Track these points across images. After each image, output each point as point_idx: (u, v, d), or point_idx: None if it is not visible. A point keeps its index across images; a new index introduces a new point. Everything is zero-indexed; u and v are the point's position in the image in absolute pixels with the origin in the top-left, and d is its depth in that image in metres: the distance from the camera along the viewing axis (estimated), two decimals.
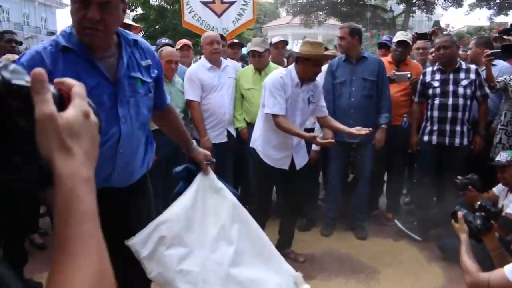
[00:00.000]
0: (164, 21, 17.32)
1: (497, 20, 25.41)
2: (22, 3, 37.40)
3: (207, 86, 3.96)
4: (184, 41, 4.91)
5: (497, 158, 3.28)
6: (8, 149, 0.55)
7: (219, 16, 4.98)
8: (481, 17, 77.12)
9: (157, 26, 17.97)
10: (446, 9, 24.47)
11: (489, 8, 24.15)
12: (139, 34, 16.11)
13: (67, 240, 0.56)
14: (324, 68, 4.07)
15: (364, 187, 4.18)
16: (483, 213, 2.36)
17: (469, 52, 4.60)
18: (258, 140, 3.39)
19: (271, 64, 4.30)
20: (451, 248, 3.56)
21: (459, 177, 3.40)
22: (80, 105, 0.62)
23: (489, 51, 3.96)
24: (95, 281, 0.55)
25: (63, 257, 0.55)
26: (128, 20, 3.04)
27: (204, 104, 3.95)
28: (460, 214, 2.40)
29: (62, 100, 0.61)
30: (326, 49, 4.28)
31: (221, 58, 4.15)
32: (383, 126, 4.04)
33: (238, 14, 5.02)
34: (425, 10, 23.73)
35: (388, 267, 3.51)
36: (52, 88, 0.60)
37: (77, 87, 0.63)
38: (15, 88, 0.55)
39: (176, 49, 4.37)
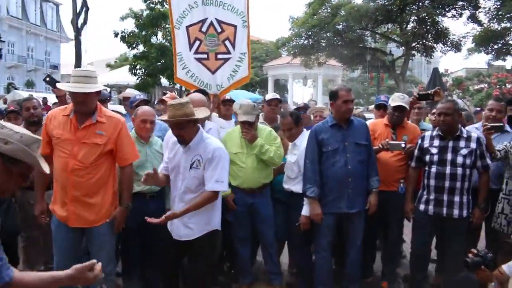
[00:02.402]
0: (164, 59, 17.46)
1: (495, 64, 25.75)
2: (28, 36, 37.95)
3: None
4: (167, 95, 4.84)
5: None
6: None
7: (213, 72, 4.87)
8: (480, 61, 78.44)
9: (158, 64, 18.11)
10: (445, 53, 24.73)
11: (487, 53, 24.43)
12: (139, 71, 16.26)
13: None
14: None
15: (356, 255, 3.96)
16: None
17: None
18: None
19: (260, 126, 4.17)
20: None
21: (470, 255, 3.18)
22: None
23: (488, 125, 3.84)
24: None
25: None
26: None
27: None
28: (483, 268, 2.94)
29: None
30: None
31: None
32: (375, 190, 3.88)
33: (233, 71, 4.90)
34: (424, 54, 23.97)
35: None
36: None
37: None
38: None
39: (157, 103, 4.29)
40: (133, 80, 18.41)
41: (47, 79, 4.54)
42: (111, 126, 3.06)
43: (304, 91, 54.14)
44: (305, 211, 3.87)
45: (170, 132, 3.20)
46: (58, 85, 3.78)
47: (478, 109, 10.84)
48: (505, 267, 3.31)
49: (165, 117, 3.06)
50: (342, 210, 3.79)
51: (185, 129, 2.98)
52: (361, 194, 3.84)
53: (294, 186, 3.98)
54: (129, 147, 3.19)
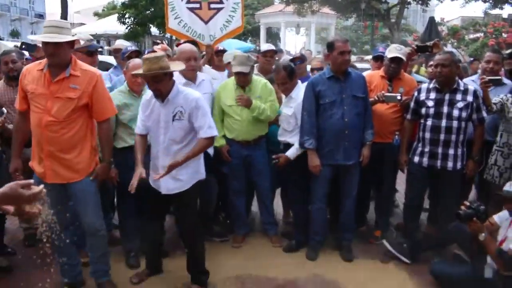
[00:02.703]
0: (154, 7, 16.94)
1: (492, 13, 25.30)
2: None
3: None
4: (157, 47, 4.74)
5: (507, 188, 3.14)
6: None
7: (206, 22, 4.72)
8: (477, 10, 76.92)
9: (147, 12, 17.60)
10: (441, 1, 24.20)
11: (485, 1, 23.93)
12: (128, 20, 15.81)
13: None
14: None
15: (351, 206, 4.03)
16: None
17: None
18: None
19: (254, 78, 4.09)
20: (444, 274, 3.47)
21: (463, 207, 3.24)
22: None
23: (486, 78, 3.80)
24: None
25: None
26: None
27: None
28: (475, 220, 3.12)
29: None
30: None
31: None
32: (368, 143, 3.91)
33: (226, 21, 4.76)
34: (420, 2, 23.44)
35: None
36: None
37: None
38: None
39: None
40: (122, 29, 17.92)
41: (23, 46, 4.40)
42: (85, 80, 2.95)
43: (297, 39, 53.30)
44: (290, 153, 3.91)
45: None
46: (29, 36, 3.65)
47: (472, 59, 10.75)
48: (496, 218, 3.40)
49: (140, 71, 3.01)
50: (338, 162, 3.81)
51: (162, 82, 2.99)
52: (357, 147, 3.86)
53: (291, 138, 3.97)
54: (105, 101, 3.08)
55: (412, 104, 3.96)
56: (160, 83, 2.98)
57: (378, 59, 4.63)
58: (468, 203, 3.28)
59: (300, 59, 4.82)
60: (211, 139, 3.15)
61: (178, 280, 3.54)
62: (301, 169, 3.92)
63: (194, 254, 3.43)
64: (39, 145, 2.97)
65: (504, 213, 3.32)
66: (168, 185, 3.18)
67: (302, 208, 4.15)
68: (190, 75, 3.80)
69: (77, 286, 3.34)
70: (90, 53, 3.73)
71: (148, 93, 3.20)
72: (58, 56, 2.85)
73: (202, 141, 3.10)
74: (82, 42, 5.02)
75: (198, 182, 3.29)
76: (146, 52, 5.43)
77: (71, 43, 2.95)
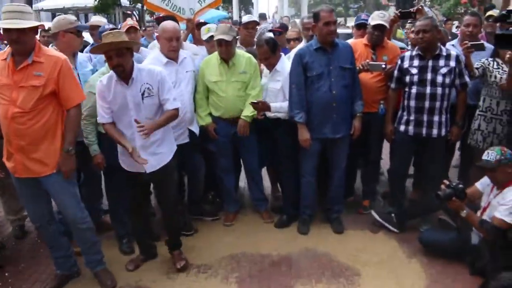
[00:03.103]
0: None
1: None
2: None
3: None
4: (130, 22, 4.56)
5: (485, 158, 3.17)
6: None
7: None
8: None
9: None
10: None
11: None
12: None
13: None
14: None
15: (340, 179, 4.06)
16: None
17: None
18: None
19: (238, 52, 3.98)
20: (432, 242, 3.56)
21: (442, 187, 3.29)
22: None
23: (468, 43, 3.80)
24: None
25: None
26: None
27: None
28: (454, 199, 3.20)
29: None
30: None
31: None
32: (359, 114, 3.89)
33: None
34: None
35: (367, 268, 3.43)
36: None
37: None
38: None
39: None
40: (90, 1, 17.23)
41: None
42: (49, 66, 2.79)
43: (270, 3, 52.31)
44: (273, 105, 3.87)
45: (97, 82, 3.12)
46: None
47: (445, 19, 10.73)
48: (478, 185, 3.47)
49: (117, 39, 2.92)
50: (326, 136, 3.80)
51: (125, 57, 2.94)
52: (345, 119, 3.84)
53: (280, 113, 3.93)
54: (73, 87, 2.91)
55: (396, 73, 3.94)
56: (123, 57, 2.92)
57: (361, 27, 4.54)
58: (447, 182, 3.33)
59: (279, 31, 4.73)
60: (177, 110, 3.20)
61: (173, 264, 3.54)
62: (292, 141, 3.92)
63: (174, 225, 3.52)
64: (8, 139, 2.84)
65: (486, 179, 3.38)
66: (151, 163, 3.14)
67: (293, 181, 4.14)
68: (172, 55, 3.68)
69: (73, 277, 3.31)
70: (79, 33, 3.56)
71: (100, 79, 3.09)
72: (22, 43, 2.68)
73: (170, 112, 3.14)
74: (46, 26, 4.77)
75: (175, 154, 3.36)
76: (119, 27, 5.23)
77: (35, 29, 2.77)
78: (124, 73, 2.97)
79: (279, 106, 3.88)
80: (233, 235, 4.03)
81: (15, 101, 2.73)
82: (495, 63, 3.92)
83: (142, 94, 3.04)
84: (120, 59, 2.90)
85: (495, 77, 3.87)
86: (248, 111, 3.90)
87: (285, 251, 3.72)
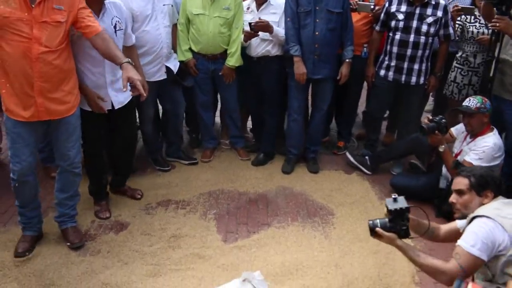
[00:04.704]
0: None
1: None
2: None
3: (138, 16, 3.42)
4: None
5: (466, 104, 3.22)
6: None
7: None
8: None
9: None
10: None
11: None
12: None
13: None
14: None
15: (321, 120, 4.11)
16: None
17: None
18: None
19: None
20: (402, 186, 3.70)
21: (426, 121, 3.37)
22: None
23: (459, 6, 3.77)
24: None
25: None
26: None
27: (137, 38, 3.36)
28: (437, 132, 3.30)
29: None
30: None
31: None
32: (348, 60, 3.87)
33: None
34: None
35: (341, 208, 3.55)
36: None
37: None
38: None
39: None
40: None
41: None
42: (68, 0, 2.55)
43: None
44: (276, 29, 3.79)
45: None
46: None
47: None
48: (453, 130, 3.58)
49: None
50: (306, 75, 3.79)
51: None
52: (328, 62, 3.80)
53: (270, 46, 3.90)
54: (91, 17, 2.68)
55: (382, 16, 3.88)
56: None
57: None
58: (430, 117, 3.42)
59: None
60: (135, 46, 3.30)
61: (151, 198, 3.57)
62: (277, 81, 3.95)
63: (130, 162, 3.61)
64: (28, 81, 2.53)
65: (461, 126, 3.48)
66: (118, 99, 3.10)
67: (276, 119, 4.18)
68: None
69: (39, 238, 3.04)
70: None
71: None
72: None
73: (134, 47, 3.26)
74: None
75: (151, 90, 3.36)
76: None
77: None
78: (99, 6, 2.83)
79: (280, 30, 3.81)
80: (210, 172, 4.06)
81: (38, 39, 2.46)
82: (472, 17, 3.92)
83: (114, 27, 2.93)
84: None
85: (472, 32, 3.89)
86: (233, 60, 3.81)
87: (262, 189, 3.80)
